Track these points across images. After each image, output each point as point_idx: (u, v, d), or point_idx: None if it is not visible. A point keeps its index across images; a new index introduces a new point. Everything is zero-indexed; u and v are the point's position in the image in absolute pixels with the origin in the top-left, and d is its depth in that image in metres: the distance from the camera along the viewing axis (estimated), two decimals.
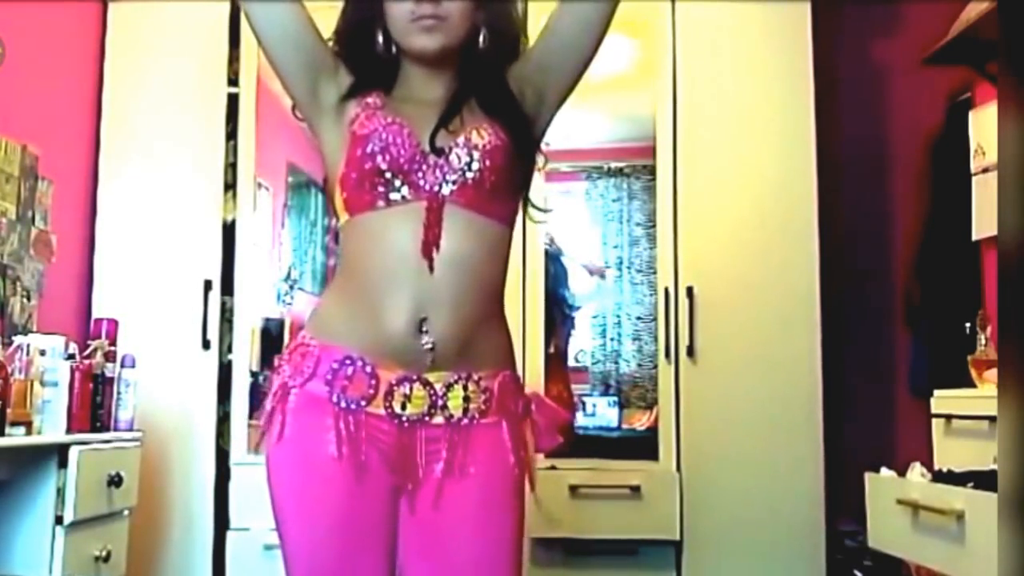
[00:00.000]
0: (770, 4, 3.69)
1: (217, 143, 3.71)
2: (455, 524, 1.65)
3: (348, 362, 1.64)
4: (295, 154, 4.09)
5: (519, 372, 1.79)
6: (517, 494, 1.70)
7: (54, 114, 3.54)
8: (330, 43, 1.77)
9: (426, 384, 1.64)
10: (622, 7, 1.75)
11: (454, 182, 1.64)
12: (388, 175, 1.64)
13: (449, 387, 1.65)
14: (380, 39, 1.74)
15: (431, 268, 1.61)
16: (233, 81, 3.74)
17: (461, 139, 1.66)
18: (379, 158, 1.63)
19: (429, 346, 1.62)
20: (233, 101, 3.73)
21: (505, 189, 1.69)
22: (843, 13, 4.03)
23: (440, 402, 1.64)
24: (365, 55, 1.75)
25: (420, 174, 1.64)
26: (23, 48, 3.33)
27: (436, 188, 1.64)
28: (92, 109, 3.73)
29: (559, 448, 1.87)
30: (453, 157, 1.65)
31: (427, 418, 1.64)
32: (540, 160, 1.81)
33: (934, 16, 3.59)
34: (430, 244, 1.62)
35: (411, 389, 1.63)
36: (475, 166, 1.64)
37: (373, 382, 1.63)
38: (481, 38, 1.74)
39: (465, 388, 1.65)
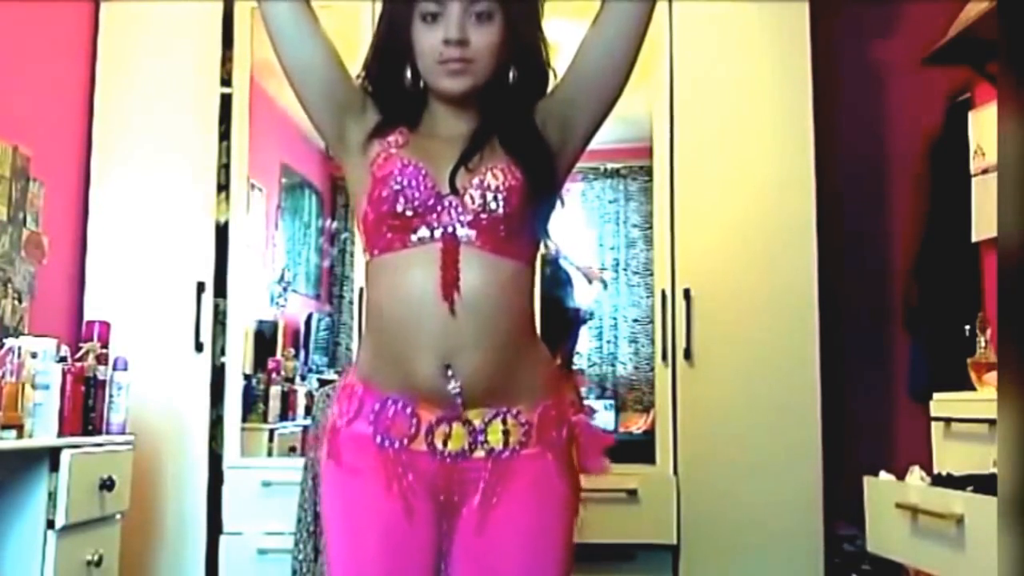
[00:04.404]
0: (768, 4, 3.67)
1: (210, 144, 3.69)
2: (502, 551, 1.67)
3: (389, 404, 1.67)
4: (289, 155, 4.08)
5: (564, 397, 1.78)
6: (564, 522, 1.72)
7: (46, 115, 3.52)
8: (358, 79, 1.77)
9: (465, 422, 1.66)
10: None
11: (469, 224, 1.64)
12: (405, 218, 1.64)
13: (488, 422, 1.67)
14: (408, 74, 1.75)
15: (452, 311, 1.61)
16: (226, 81, 3.72)
17: (476, 180, 1.65)
18: (396, 201, 1.64)
19: (456, 391, 1.63)
20: (226, 101, 3.71)
21: (522, 229, 1.68)
22: (842, 13, 4.01)
23: (480, 437, 1.66)
24: (393, 89, 1.76)
25: (435, 216, 1.65)
26: (14, 48, 3.31)
27: (451, 229, 1.64)
28: (84, 110, 3.71)
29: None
30: (467, 198, 1.65)
31: (469, 453, 1.67)
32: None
33: (933, 16, 3.57)
34: (449, 286, 1.62)
35: (451, 427, 1.66)
36: (490, 207, 1.64)
37: (414, 421, 1.66)
38: (511, 76, 1.75)
39: (504, 422, 1.67)
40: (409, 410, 1.66)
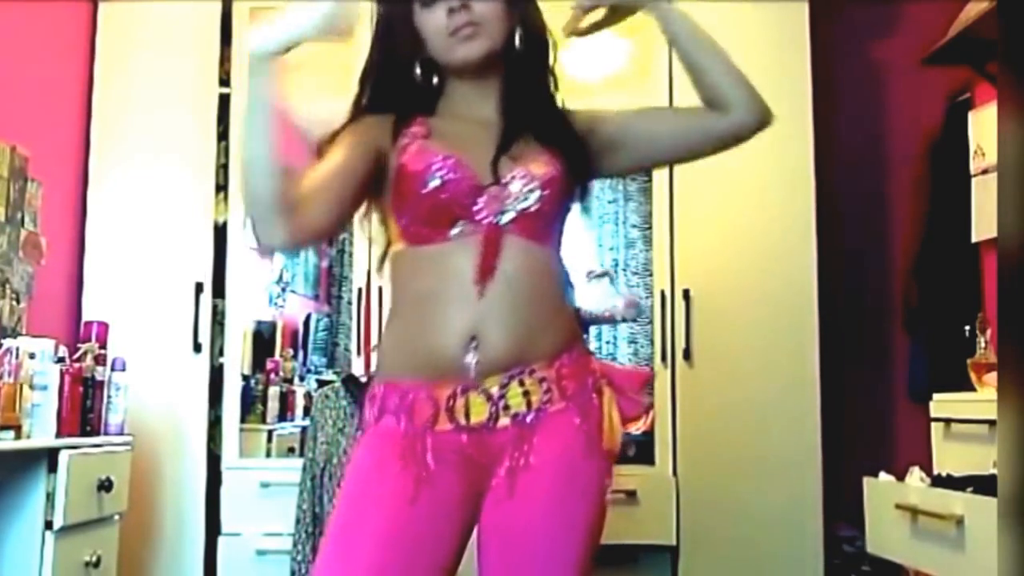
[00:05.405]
0: (767, 4, 3.67)
1: (209, 144, 3.69)
2: (527, 515, 1.65)
3: (406, 394, 1.67)
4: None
5: (583, 350, 1.75)
6: (591, 480, 1.68)
7: (44, 115, 3.52)
8: (358, 96, 1.76)
9: (482, 391, 1.65)
10: None
11: (513, 211, 1.66)
12: (447, 211, 1.65)
13: (506, 386, 1.65)
14: (419, 69, 1.74)
15: (482, 293, 1.63)
16: (225, 81, 3.71)
17: (520, 169, 1.67)
18: (437, 197, 1.64)
19: (475, 361, 1.63)
20: (225, 101, 3.70)
21: (557, 217, 1.72)
22: (842, 13, 4.01)
23: (501, 403, 1.65)
24: (401, 86, 1.75)
25: (477, 207, 1.65)
26: (12, 48, 3.31)
27: (495, 219, 1.65)
28: (82, 110, 3.70)
29: None
30: (514, 186, 1.66)
31: (493, 423, 1.65)
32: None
33: (933, 16, 3.57)
34: (485, 272, 1.63)
35: (468, 398, 1.65)
36: (533, 196, 1.66)
37: (431, 402, 1.66)
38: (517, 38, 1.74)
39: (521, 383, 1.65)
40: (425, 393, 1.65)
